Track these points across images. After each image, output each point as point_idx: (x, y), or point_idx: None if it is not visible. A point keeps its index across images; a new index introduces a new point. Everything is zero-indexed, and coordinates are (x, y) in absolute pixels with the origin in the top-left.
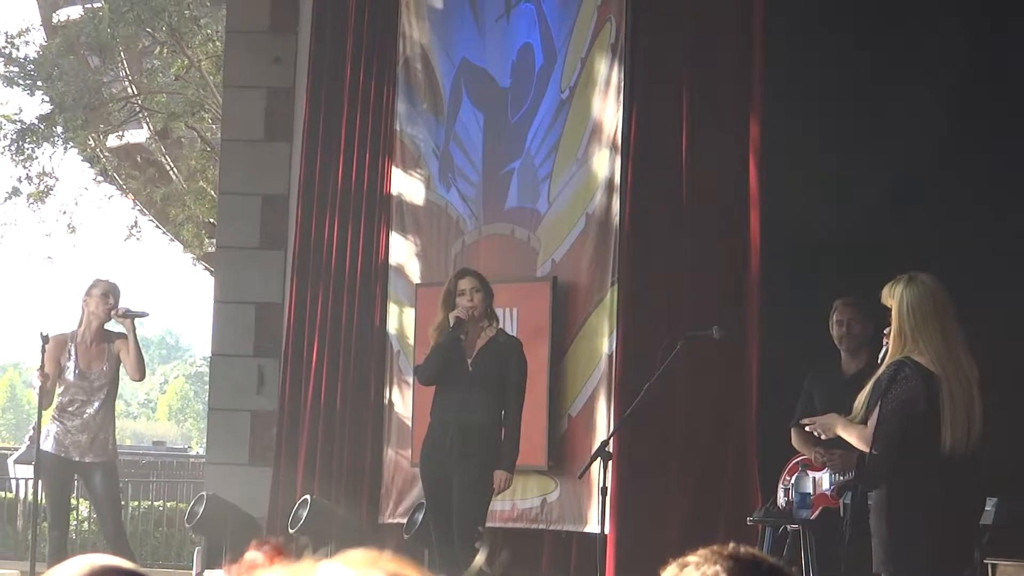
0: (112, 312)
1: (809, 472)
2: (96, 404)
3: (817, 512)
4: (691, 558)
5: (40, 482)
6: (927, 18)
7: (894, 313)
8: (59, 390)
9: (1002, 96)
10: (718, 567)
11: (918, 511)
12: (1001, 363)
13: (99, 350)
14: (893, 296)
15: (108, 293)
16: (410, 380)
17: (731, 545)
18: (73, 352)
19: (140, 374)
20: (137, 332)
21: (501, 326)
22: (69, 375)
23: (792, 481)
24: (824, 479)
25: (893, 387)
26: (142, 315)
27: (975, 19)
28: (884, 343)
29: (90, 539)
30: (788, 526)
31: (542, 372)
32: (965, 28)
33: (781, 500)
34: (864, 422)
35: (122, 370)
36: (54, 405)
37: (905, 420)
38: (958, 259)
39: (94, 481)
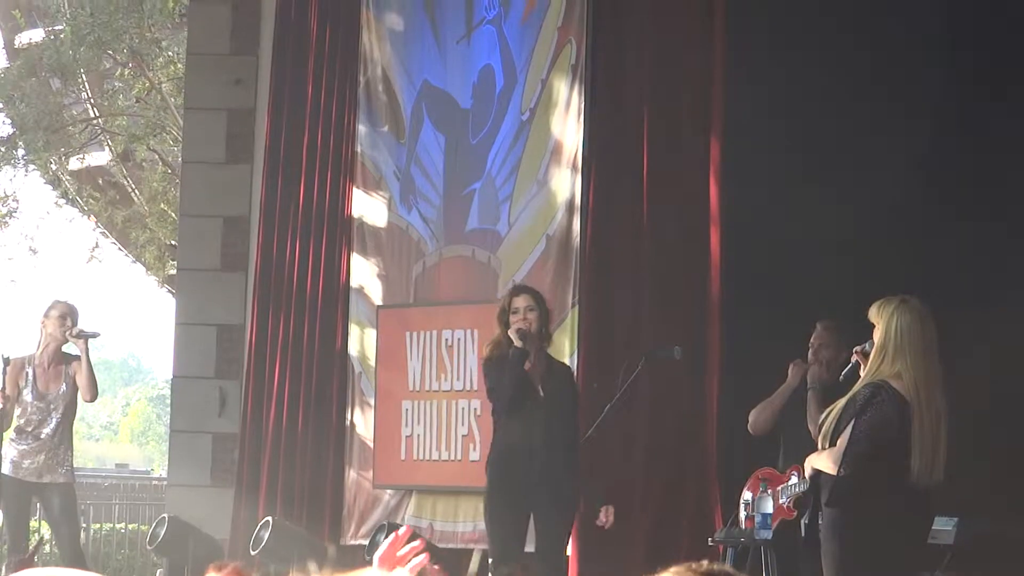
0: (67, 333)
1: (769, 490)
2: (52, 424)
3: (775, 524)
4: (664, 575)
5: None
6: (890, 33)
7: (880, 331)
8: (17, 412)
9: (976, 112)
10: None
11: (871, 532)
12: (965, 384)
13: (57, 371)
14: (882, 315)
15: (66, 315)
16: (371, 401)
17: (705, 562)
18: (31, 374)
19: (92, 394)
20: (92, 353)
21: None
22: (27, 396)
23: (754, 500)
24: (780, 494)
25: (868, 409)
26: (94, 335)
27: (942, 35)
28: (853, 359)
29: (51, 562)
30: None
31: None
32: (932, 44)
33: (742, 515)
34: (834, 442)
35: None
36: (12, 428)
37: (876, 444)
38: (924, 278)
39: (52, 503)
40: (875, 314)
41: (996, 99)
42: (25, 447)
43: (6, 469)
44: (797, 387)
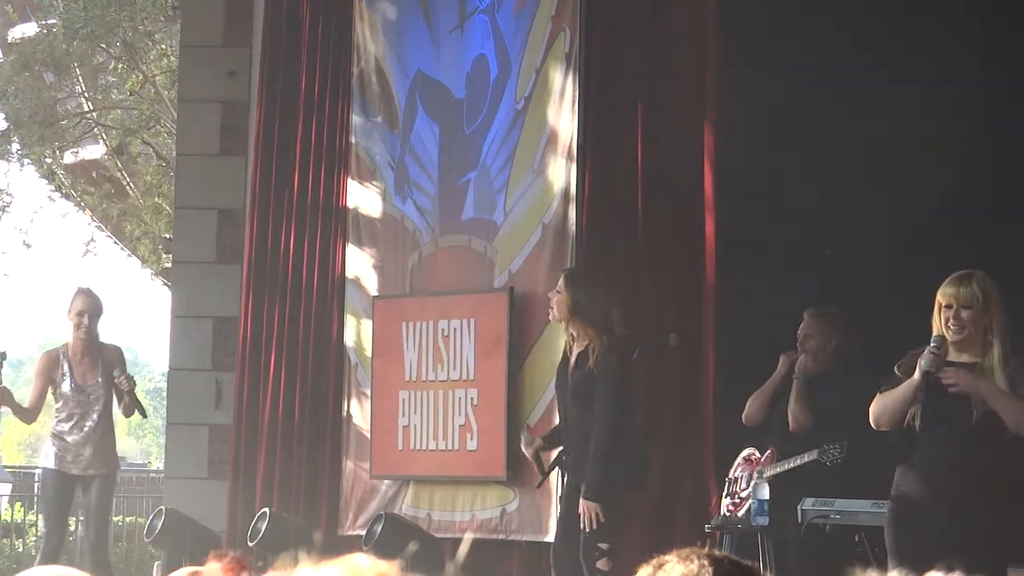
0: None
1: (749, 471)
2: (95, 416)
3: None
4: (668, 557)
5: (39, 497)
6: (886, 15)
7: (995, 303)
8: (57, 404)
9: (973, 94)
10: (701, 562)
11: None
12: None
13: (92, 362)
14: (984, 289)
15: (83, 312)
16: (368, 392)
17: (706, 548)
18: (67, 366)
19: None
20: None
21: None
22: (66, 389)
23: (749, 488)
24: (754, 476)
25: None
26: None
27: (939, 19)
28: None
29: (76, 552)
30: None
31: (500, 383)
32: (923, 28)
33: (726, 500)
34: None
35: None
36: (54, 421)
37: None
38: (920, 265)
39: (90, 491)
40: (980, 289)
41: (1014, 81)
42: (70, 441)
43: (49, 463)
44: (786, 377)
